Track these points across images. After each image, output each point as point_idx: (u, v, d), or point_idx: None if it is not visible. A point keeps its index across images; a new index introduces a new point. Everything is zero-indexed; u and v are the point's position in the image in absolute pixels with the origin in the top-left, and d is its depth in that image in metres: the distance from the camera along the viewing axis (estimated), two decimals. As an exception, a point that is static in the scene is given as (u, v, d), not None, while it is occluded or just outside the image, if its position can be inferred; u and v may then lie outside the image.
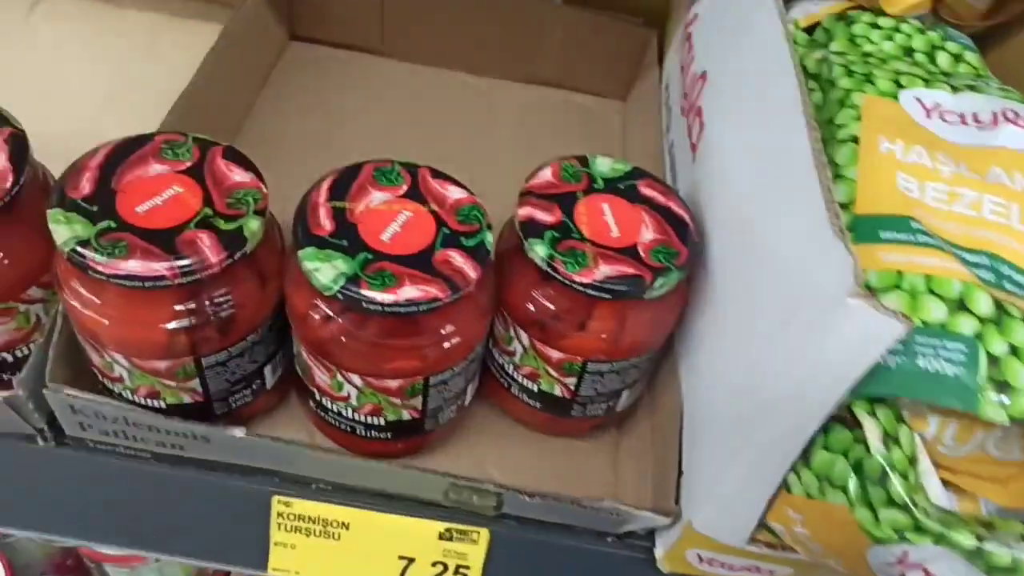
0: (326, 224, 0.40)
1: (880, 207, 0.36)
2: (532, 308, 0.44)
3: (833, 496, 0.35)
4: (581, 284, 0.41)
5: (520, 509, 0.46)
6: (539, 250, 0.42)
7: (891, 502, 0.32)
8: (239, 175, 0.41)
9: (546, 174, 0.46)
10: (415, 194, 0.43)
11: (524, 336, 0.45)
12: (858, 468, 0.33)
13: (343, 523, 0.47)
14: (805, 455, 0.36)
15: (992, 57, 0.54)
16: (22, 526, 0.49)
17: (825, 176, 0.33)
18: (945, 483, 0.36)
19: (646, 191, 0.46)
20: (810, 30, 0.53)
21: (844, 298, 0.29)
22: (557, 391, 0.47)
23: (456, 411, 0.47)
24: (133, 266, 0.36)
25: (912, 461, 0.34)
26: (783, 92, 0.38)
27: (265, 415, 0.50)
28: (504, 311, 0.45)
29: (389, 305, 0.38)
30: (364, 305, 0.38)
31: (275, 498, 0.47)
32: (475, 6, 0.73)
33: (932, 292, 0.33)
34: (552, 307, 0.43)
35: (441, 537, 0.47)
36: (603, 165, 0.47)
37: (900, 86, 0.43)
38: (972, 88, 0.43)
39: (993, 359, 0.32)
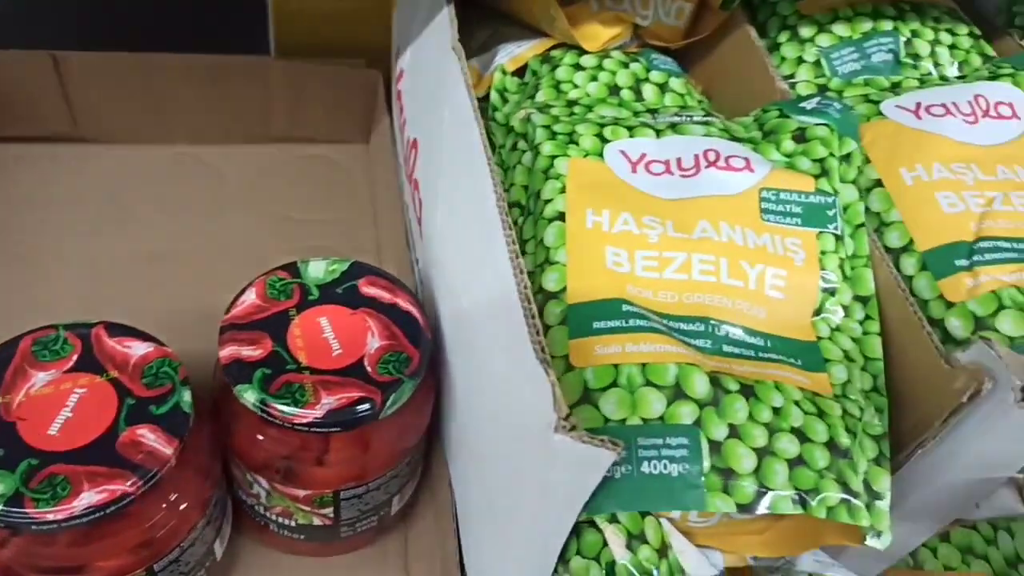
0: (-27, 434, 0.33)
1: (591, 292, 0.34)
2: (261, 454, 0.38)
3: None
4: (303, 424, 0.36)
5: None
6: (249, 396, 0.36)
7: (647, 610, 0.30)
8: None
9: (250, 297, 0.40)
10: (88, 363, 0.36)
11: (263, 480, 0.40)
12: (611, 571, 0.31)
13: None
14: (565, 558, 0.33)
15: (698, 73, 0.54)
16: None
17: (523, 286, 0.30)
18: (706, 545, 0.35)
19: (368, 290, 0.42)
20: (520, 72, 0.50)
21: (550, 433, 0.26)
22: (316, 521, 0.42)
23: (207, 572, 0.41)
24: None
25: (662, 551, 0.32)
26: (478, 184, 0.34)
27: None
28: (235, 456, 0.40)
29: (65, 521, 0.31)
30: (34, 528, 0.31)
31: None
32: (185, 73, 0.65)
33: (649, 383, 0.31)
34: (282, 450, 0.38)
35: None
36: (316, 270, 0.42)
37: (604, 140, 0.40)
38: (674, 128, 0.42)
39: (715, 445, 0.30)
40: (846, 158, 0.40)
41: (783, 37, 0.50)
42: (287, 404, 0.36)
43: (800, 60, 0.49)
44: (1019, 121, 0.43)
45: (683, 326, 0.34)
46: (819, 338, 0.36)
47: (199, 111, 0.68)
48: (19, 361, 0.36)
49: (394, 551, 0.48)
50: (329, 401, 0.37)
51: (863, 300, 0.37)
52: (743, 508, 0.30)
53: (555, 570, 0.33)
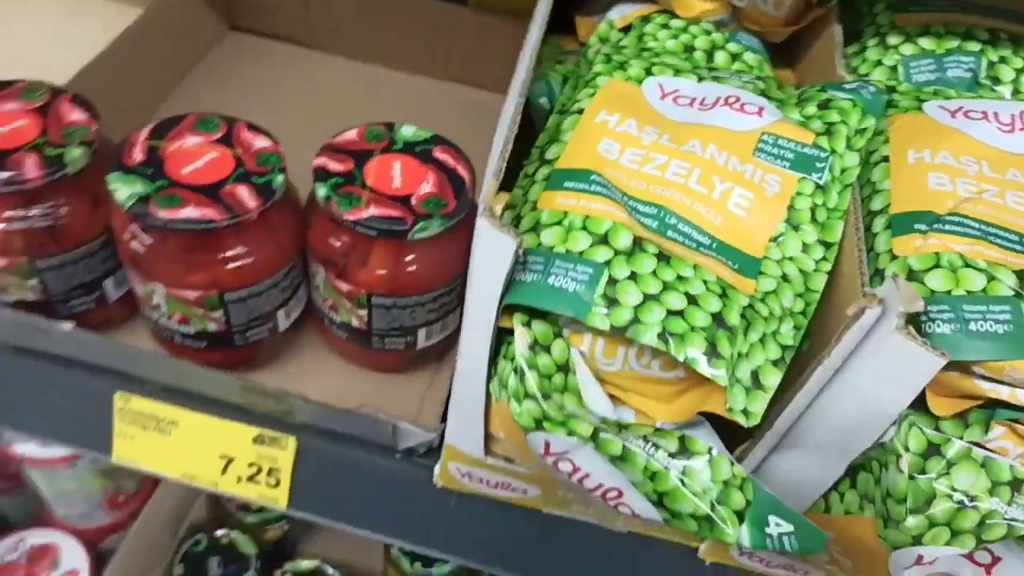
0: (138, 156, 0.47)
1: (575, 163, 0.42)
2: (323, 246, 0.50)
3: (502, 395, 0.40)
4: (351, 221, 0.47)
5: (311, 417, 0.51)
6: (320, 191, 0.48)
7: (527, 395, 0.37)
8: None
9: (351, 134, 0.52)
10: (227, 140, 0.50)
11: (322, 271, 0.51)
12: (517, 370, 0.38)
13: (173, 421, 0.54)
14: (495, 364, 0.41)
15: (801, 63, 0.58)
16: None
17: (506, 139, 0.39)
18: (617, 400, 0.41)
19: (439, 155, 0.52)
20: (626, 29, 0.58)
21: (480, 218, 0.35)
22: (354, 323, 0.53)
23: (269, 333, 0.53)
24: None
25: (562, 368, 0.39)
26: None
27: (119, 327, 0.56)
28: (308, 248, 0.52)
29: (169, 221, 0.44)
30: (148, 220, 0.45)
31: (117, 394, 0.53)
32: (391, 7, 0.80)
33: (584, 228, 0.38)
34: (337, 244, 0.49)
35: (255, 441, 0.53)
36: (407, 131, 0.53)
37: (650, 74, 0.48)
38: (718, 79, 0.48)
39: (613, 281, 0.36)
40: (861, 131, 0.44)
41: (871, 42, 0.53)
42: (343, 204, 0.47)
43: (879, 63, 0.52)
44: (1060, 140, 0.44)
45: (640, 207, 0.41)
46: (765, 257, 0.40)
47: (398, 42, 0.83)
48: (183, 127, 0.50)
49: (418, 386, 0.57)
50: (373, 211, 0.48)
51: (826, 245, 0.41)
52: (615, 329, 0.36)
53: (487, 378, 0.41)
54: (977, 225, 0.39)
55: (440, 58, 0.83)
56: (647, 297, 0.36)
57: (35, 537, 0.82)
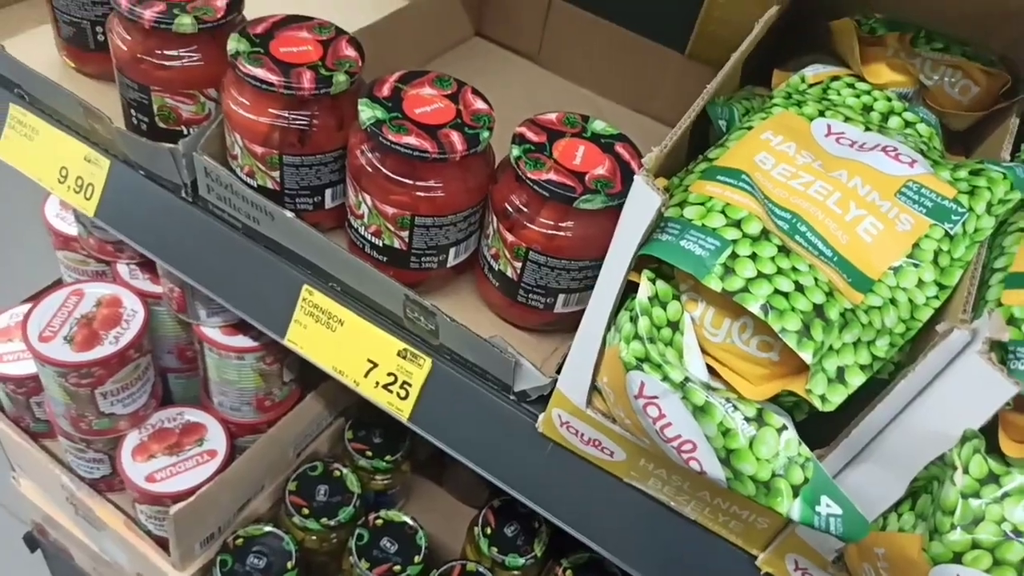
0: (385, 92, 0.61)
1: (731, 164, 0.50)
2: (503, 199, 0.61)
3: (615, 339, 0.48)
4: (530, 179, 0.58)
5: (450, 339, 0.62)
6: (514, 151, 0.59)
7: (636, 337, 0.46)
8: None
9: (551, 116, 0.64)
10: (454, 98, 0.63)
11: (495, 221, 0.63)
12: (632, 315, 0.47)
13: (340, 320, 0.67)
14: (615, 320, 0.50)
15: (976, 152, 0.64)
16: (158, 254, 0.74)
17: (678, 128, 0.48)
18: (713, 373, 0.48)
19: (620, 149, 0.62)
20: (815, 85, 0.66)
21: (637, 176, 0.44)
22: (509, 272, 0.63)
23: (437, 264, 0.65)
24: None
25: (673, 325, 0.46)
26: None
27: (325, 232, 0.70)
28: (491, 202, 0.63)
29: (393, 143, 0.57)
30: (379, 139, 0.58)
31: (305, 286, 0.67)
32: (614, 41, 0.93)
33: (722, 212, 0.46)
34: (515, 199, 0.60)
35: (399, 354, 0.65)
36: (599, 125, 0.64)
37: (822, 115, 0.55)
38: (882, 131, 0.55)
39: (735, 256, 0.44)
40: (1005, 201, 0.49)
41: (1053, 139, 0.57)
42: (530, 165, 0.58)
43: (1054, 159, 0.56)
44: None
45: (777, 211, 0.48)
46: (880, 281, 0.46)
47: (615, 74, 0.95)
48: (424, 80, 0.64)
49: (547, 348, 0.66)
50: (551, 176, 0.58)
51: (941, 286, 0.47)
52: (726, 293, 0.43)
53: (606, 328, 0.50)
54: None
55: (646, 94, 0.94)
56: (760, 274, 0.44)
57: (192, 415, 0.98)
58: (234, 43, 0.62)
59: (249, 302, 0.71)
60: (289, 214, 0.64)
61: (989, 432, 0.42)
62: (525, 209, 0.60)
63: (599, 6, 0.92)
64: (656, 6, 0.90)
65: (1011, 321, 0.43)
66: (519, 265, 0.62)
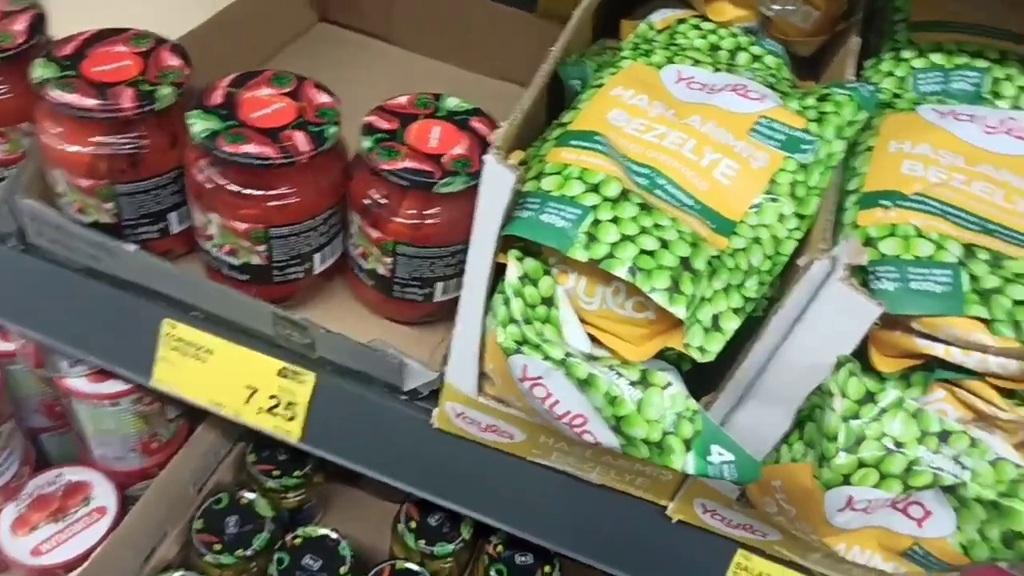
0: (217, 99, 0.58)
1: (584, 126, 0.50)
2: (361, 195, 0.59)
3: (491, 324, 0.47)
4: (386, 171, 0.56)
5: (328, 350, 0.60)
6: (364, 143, 0.58)
7: (511, 320, 0.45)
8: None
9: (402, 99, 0.62)
10: (295, 95, 0.60)
11: (358, 220, 0.61)
12: (505, 298, 0.46)
13: (209, 349, 0.64)
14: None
15: (823, 75, 0.66)
16: (-3, 311, 0.69)
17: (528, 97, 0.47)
18: (594, 341, 0.48)
19: (475, 124, 0.61)
20: (664, 31, 0.67)
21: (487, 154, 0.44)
22: (380, 270, 0.62)
23: (303, 274, 0.63)
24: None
25: (547, 301, 0.46)
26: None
27: (176, 260, 0.67)
28: (349, 200, 0.61)
29: (231, 155, 0.55)
30: (215, 152, 0.55)
31: (165, 320, 0.64)
32: (466, 11, 0.92)
33: (580, 178, 0.46)
34: (373, 194, 0.59)
35: (279, 374, 0.63)
36: (452, 102, 0.63)
37: (671, 62, 0.56)
38: (731, 69, 0.56)
39: (596, 222, 0.44)
40: (852, 123, 0.51)
41: (887, 56, 0.59)
42: (383, 155, 0.57)
43: (890, 74, 0.58)
44: (1038, 146, 0.49)
45: (634, 167, 0.48)
46: (742, 221, 0.47)
47: (469, 43, 0.94)
48: (260, 80, 0.61)
49: (431, 340, 0.66)
50: (408, 164, 0.57)
51: (800, 217, 0.48)
52: (592, 261, 0.43)
53: (483, 313, 0.49)
54: (938, 205, 0.45)
55: (507, 61, 0.93)
56: (624, 237, 0.44)
57: (72, 474, 0.92)
58: (40, 69, 0.57)
59: (107, 347, 0.67)
60: (131, 247, 0.60)
61: (863, 353, 0.44)
62: (386, 202, 0.59)
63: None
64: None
65: (868, 242, 0.45)
66: (390, 260, 0.61)
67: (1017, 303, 0.41)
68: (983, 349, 0.41)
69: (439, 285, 0.62)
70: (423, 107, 0.62)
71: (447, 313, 0.66)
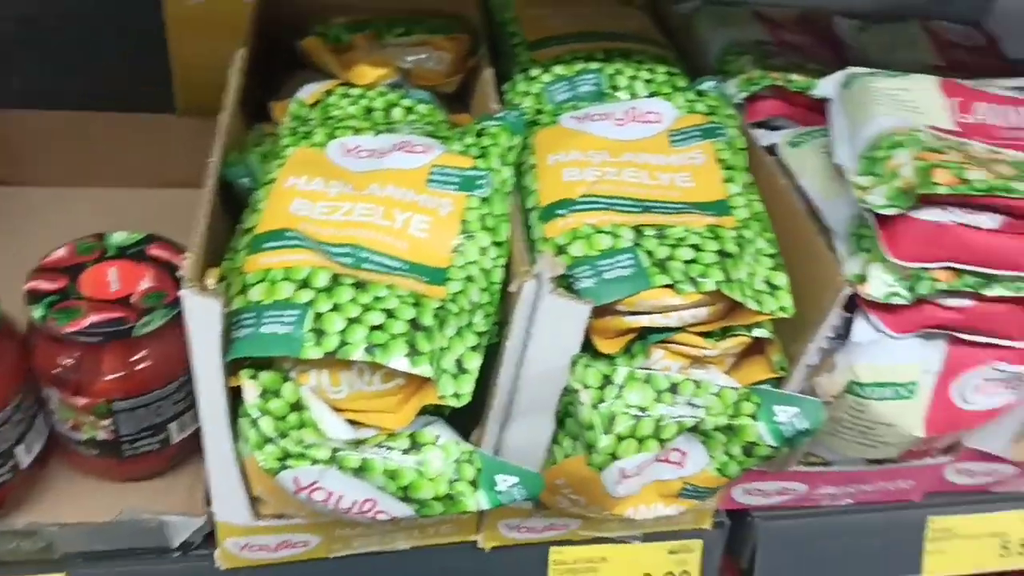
0: None
1: (271, 226, 0.50)
2: (51, 367, 0.54)
3: (246, 450, 0.46)
4: (70, 334, 0.52)
5: (73, 544, 0.54)
6: (36, 313, 0.52)
7: (266, 440, 0.44)
8: None
9: (61, 252, 0.57)
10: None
11: (56, 394, 0.55)
12: (251, 420, 0.45)
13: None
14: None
15: (473, 107, 0.71)
16: None
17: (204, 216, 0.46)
18: (356, 424, 0.48)
19: (155, 252, 0.58)
20: (315, 105, 0.68)
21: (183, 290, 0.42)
22: (101, 435, 0.56)
23: (11, 473, 0.55)
24: None
25: (296, 407, 0.46)
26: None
27: None
28: (37, 373, 0.55)
29: None
30: None
31: None
32: (96, 129, 0.86)
33: (286, 279, 0.46)
34: (65, 362, 0.54)
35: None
36: (119, 237, 0.59)
37: (332, 137, 0.57)
38: (392, 130, 0.59)
39: (318, 316, 0.45)
40: (511, 148, 0.56)
41: (519, 78, 0.67)
42: (62, 319, 0.52)
43: (527, 93, 0.65)
44: (660, 124, 0.59)
45: (335, 250, 0.49)
46: (450, 266, 0.50)
47: (114, 160, 0.88)
48: None
49: (184, 483, 0.61)
50: (93, 318, 0.53)
51: (498, 244, 0.52)
52: (329, 354, 0.44)
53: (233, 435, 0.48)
54: (603, 200, 0.52)
55: (157, 167, 0.89)
56: (350, 321, 0.45)
57: None
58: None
59: None
60: None
61: (588, 344, 0.49)
62: (83, 365, 0.54)
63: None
64: (116, 75, 0.85)
65: (559, 251, 0.50)
66: (109, 422, 0.56)
67: (687, 262, 0.49)
68: (676, 308, 0.48)
69: (172, 426, 0.59)
70: (88, 252, 0.58)
71: (192, 449, 0.62)
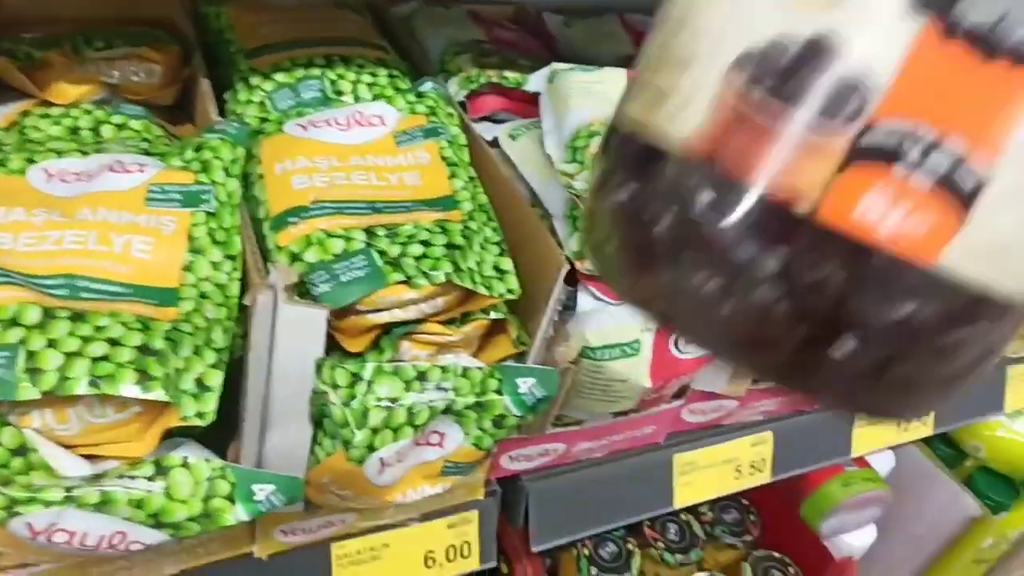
0: None
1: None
2: None
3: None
4: None
5: None
6: None
7: (-9, 490, 0.41)
8: None
9: None
10: None
11: None
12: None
13: None
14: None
15: (197, 119, 0.70)
16: None
17: None
18: (95, 458, 0.46)
19: None
20: (10, 128, 0.63)
21: None
22: None
23: None
24: None
25: (21, 451, 0.43)
26: None
27: None
28: None
29: None
30: None
31: None
32: None
33: (-9, 319, 0.43)
34: None
35: None
36: None
37: (32, 162, 0.54)
38: (102, 150, 0.56)
39: (32, 354, 0.42)
40: (235, 160, 0.56)
41: (240, 87, 0.66)
42: None
43: (249, 102, 0.65)
44: (385, 127, 0.61)
45: (47, 282, 0.47)
46: (181, 284, 0.50)
47: None
48: None
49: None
50: None
51: (231, 258, 0.52)
52: (48, 393, 0.42)
53: None
54: (333, 205, 0.54)
55: None
56: (69, 355, 0.43)
57: None
58: None
59: None
60: None
61: (336, 344, 0.51)
62: None
63: None
64: None
65: (294, 259, 0.51)
66: None
67: (418, 258, 0.52)
68: (414, 302, 0.51)
69: None
70: None
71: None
